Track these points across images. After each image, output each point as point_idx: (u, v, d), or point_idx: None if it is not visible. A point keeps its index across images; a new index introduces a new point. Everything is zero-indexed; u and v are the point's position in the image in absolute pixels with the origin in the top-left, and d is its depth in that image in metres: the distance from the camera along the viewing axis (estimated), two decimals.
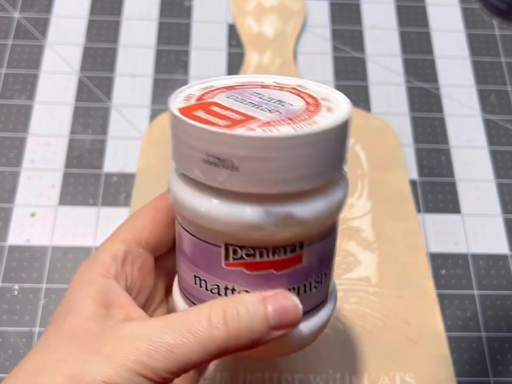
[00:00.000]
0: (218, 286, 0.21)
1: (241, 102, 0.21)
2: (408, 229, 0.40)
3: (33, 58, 0.46)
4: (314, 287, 0.22)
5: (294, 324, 0.20)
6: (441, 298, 0.38)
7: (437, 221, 0.41)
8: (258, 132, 0.18)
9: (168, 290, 0.26)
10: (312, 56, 0.48)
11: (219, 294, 0.21)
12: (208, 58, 0.47)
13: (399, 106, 0.45)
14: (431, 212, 0.41)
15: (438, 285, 0.39)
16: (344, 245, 0.39)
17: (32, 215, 0.40)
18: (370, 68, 0.47)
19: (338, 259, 0.38)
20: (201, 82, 0.23)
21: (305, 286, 0.21)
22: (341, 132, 0.20)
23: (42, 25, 0.48)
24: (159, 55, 0.47)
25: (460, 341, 0.37)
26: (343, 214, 0.40)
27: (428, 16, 0.50)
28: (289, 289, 0.21)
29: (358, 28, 0.49)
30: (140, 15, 0.49)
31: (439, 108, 0.46)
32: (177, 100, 0.21)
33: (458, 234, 0.41)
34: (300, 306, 0.20)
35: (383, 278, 0.38)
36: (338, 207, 0.21)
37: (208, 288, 0.22)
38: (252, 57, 0.47)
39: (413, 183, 0.42)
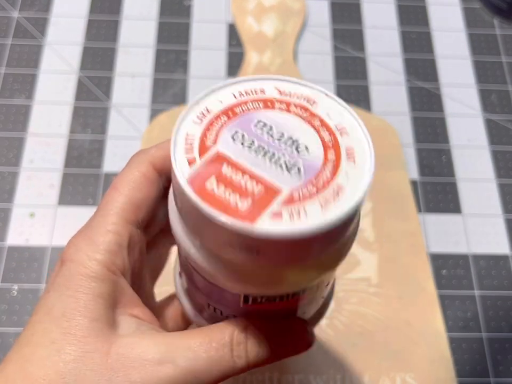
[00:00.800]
0: (234, 315, 0.21)
1: (251, 150, 0.18)
2: (409, 229, 0.40)
3: (32, 57, 0.46)
4: None
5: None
6: (442, 299, 0.38)
7: (438, 221, 0.41)
8: (285, 221, 0.17)
9: (155, 277, 0.26)
10: (312, 56, 0.47)
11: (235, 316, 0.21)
12: (208, 58, 0.47)
13: (400, 106, 0.45)
14: (431, 211, 0.41)
15: (439, 285, 0.38)
16: None
17: (31, 215, 0.40)
18: (370, 67, 0.47)
19: None
20: (194, 103, 0.19)
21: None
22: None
23: (42, 25, 0.47)
24: (159, 54, 0.47)
25: (460, 342, 0.37)
26: None
27: (428, 16, 0.50)
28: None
29: (359, 28, 0.49)
30: (140, 15, 0.49)
31: (440, 108, 0.46)
32: (178, 148, 0.18)
33: (459, 235, 0.40)
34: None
35: (383, 278, 0.38)
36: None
37: (224, 315, 0.22)
38: (252, 57, 0.46)
39: (414, 183, 0.42)
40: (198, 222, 0.17)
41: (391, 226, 0.40)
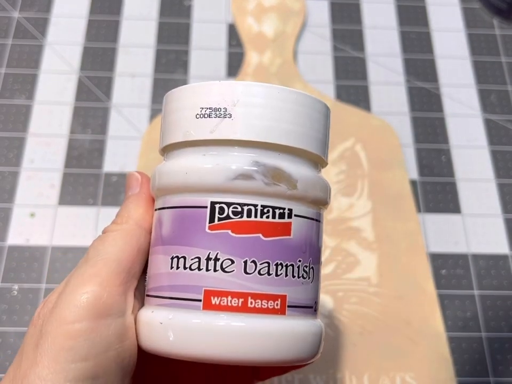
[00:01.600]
0: (199, 258, 0.20)
1: None
2: (408, 229, 0.40)
3: (32, 58, 0.46)
4: (303, 276, 0.21)
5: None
6: (442, 299, 0.38)
7: (437, 221, 0.41)
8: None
9: None
10: (312, 56, 0.48)
11: (199, 269, 0.20)
12: (208, 58, 0.47)
13: (399, 106, 0.45)
14: (431, 211, 0.41)
15: (438, 285, 0.39)
16: (344, 245, 0.39)
17: (32, 215, 0.40)
18: (370, 67, 0.47)
19: (338, 259, 0.38)
20: None
21: (293, 267, 0.21)
22: (325, 115, 0.22)
23: (42, 25, 0.47)
24: (159, 54, 0.47)
25: (460, 341, 0.37)
26: (344, 214, 0.40)
27: (428, 16, 0.50)
28: (276, 264, 0.21)
29: (358, 28, 0.49)
30: (140, 15, 0.49)
31: (439, 108, 0.46)
32: None
33: (458, 234, 0.41)
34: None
35: (383, 278, 0.38)
36: (325, 189, 0.22)
37: (187, 265, 0.20)
38: (251, 57, 0.47)
39: (413, 183, 0.42)
40: (177, 106, 0.22)
41: (391, 226, 0.40)
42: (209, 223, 0.20)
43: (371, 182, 0.41)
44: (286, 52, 0.47)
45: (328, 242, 0.39)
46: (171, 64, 0.46)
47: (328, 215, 0.39)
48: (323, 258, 0.38)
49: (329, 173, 0.41)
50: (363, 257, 0.38)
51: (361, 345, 0.36)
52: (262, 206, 0.20)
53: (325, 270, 0.38)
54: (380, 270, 0.38)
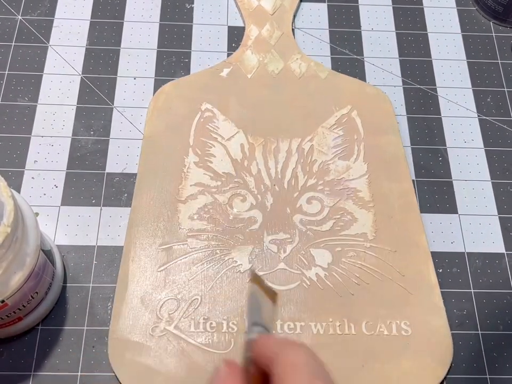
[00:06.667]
0: None
1: None
2: (402, 189, 0.41)
3: (35, 60, 0.46)
4: None
5: None
6: None
7: (434, 221, 0.42)
8: None
9: None
10: (311, 58, 0.48)
11: None
12: (209, 60, 0.47)
13: (397, 107, 0.46)
14: (428, 211, 0.42)
15: None
16: (342, 204, 0.41)
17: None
18: (368, 69, 0.48)
19: (336, 217, 0.40)
20: None
21: None
22: None
23: (45, 28, 0.48)
24: (161, 56, 0.47)
25: (456, 339, 0.37)
26: (341, 176, 0.41)
27: (425, 19, 0.51)
28: None
29: (356, 30, 0.50)
30: (142, 18, 0.49)
31: (436, 109, 0.46)
32: None
33: (455, 234, 0.41)
34: None
35: (379, 234, 0.40)
36: None
37: None
38: (251, 30, 0.48)
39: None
40: None
41: (386, 187, 0.41)
42: None
43: (367, 145, 0.43)
44: (285, 25, 0.49)
45: (326, 202, 0.40)
46: (172, 66, 0.47)
47: (327, 177, 0.41)
48: (322, 216, 0.40)
49: (327, 138, 0.43)
50: (360, 215, 0.40)
51: (358, 295, 0.37)
52: None
53: (324, 227, 0.40)
54: (375, 227, 0.40)
